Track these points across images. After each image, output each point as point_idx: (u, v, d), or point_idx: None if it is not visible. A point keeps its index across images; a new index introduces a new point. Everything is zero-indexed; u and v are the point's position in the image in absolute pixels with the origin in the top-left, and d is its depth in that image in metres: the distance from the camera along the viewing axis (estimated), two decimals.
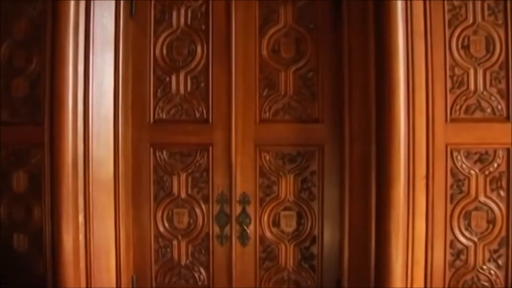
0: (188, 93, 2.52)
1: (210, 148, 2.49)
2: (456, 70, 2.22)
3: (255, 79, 2.46)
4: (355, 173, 2.34)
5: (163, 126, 2.51)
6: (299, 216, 2.48)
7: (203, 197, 2.52)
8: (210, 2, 2.46)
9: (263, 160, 2.48)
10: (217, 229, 2.50)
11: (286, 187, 2.48)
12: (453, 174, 2.22)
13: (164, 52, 2.51)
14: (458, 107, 2.23)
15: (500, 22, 2.21)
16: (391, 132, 2.15)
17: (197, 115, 2.51)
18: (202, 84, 2.50)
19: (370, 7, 2.24)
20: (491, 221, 2.23)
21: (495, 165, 2.23)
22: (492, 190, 2.23)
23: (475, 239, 2.25)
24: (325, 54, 2.43)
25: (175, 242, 2.54)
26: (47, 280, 2.32)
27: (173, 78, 2.52)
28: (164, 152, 2.52)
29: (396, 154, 2.14)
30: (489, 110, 2.23)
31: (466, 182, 2.24)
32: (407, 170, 2.16)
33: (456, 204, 2.23)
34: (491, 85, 2.22)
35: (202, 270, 2.53)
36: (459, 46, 2.22)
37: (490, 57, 2.23)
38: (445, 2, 2.20)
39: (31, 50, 2.38)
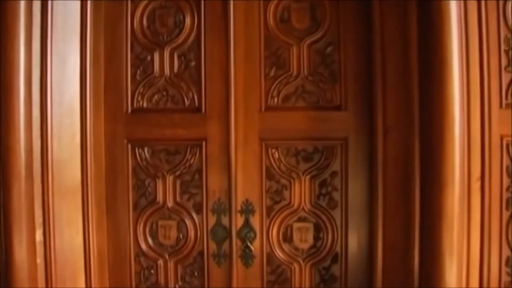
0: (175, 75, 2.39)
1: (204, 144, 2.37)
2: None
3: (259, 56, 2.33)
4: (390, 173, 2.20)
5: (143, 117, 2.40)
6: (317, 228, 2.35)
7: (195, 205, 2.39)
8: None
9: (271, 159, 2.35)
10: (213, 246, 2.39)
11: (300, 193, 2.35)
12: (509, 174, 2.04)
13: (145, 23, 2.39)
14: None
15: None
16: (442, 121, 1.97)
17: (187, 102, 2.38)
18: (193, 63, 2.37)
19: None
20: None
21: None
22: None
23: None
24: (348, 24, 2.30)
25: (160, 262, 2.42)
26: None
27: (156, 56, 2.40)
28: (146, 150, 2.41)
29: (450, 149, 1.96)
30: None
31: None
32: (462, 170, 1.98)
33: None
34: None
35: None
36: None
37: None
38: None
39: None
